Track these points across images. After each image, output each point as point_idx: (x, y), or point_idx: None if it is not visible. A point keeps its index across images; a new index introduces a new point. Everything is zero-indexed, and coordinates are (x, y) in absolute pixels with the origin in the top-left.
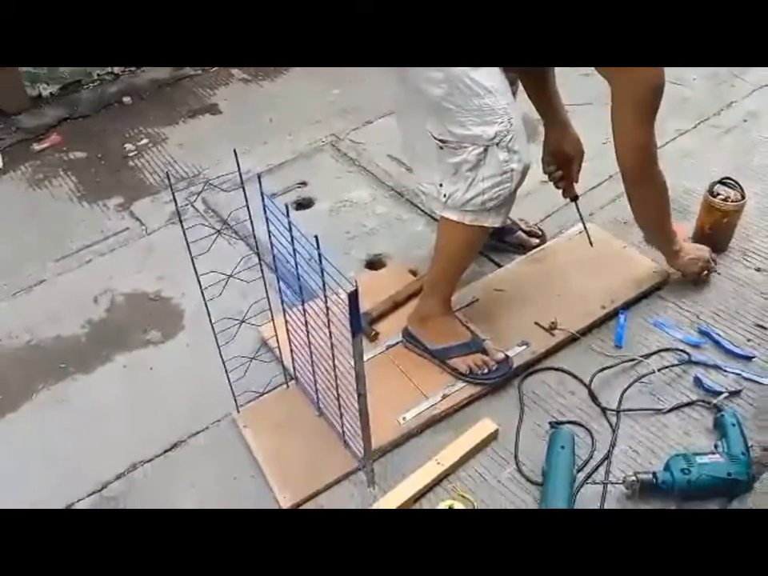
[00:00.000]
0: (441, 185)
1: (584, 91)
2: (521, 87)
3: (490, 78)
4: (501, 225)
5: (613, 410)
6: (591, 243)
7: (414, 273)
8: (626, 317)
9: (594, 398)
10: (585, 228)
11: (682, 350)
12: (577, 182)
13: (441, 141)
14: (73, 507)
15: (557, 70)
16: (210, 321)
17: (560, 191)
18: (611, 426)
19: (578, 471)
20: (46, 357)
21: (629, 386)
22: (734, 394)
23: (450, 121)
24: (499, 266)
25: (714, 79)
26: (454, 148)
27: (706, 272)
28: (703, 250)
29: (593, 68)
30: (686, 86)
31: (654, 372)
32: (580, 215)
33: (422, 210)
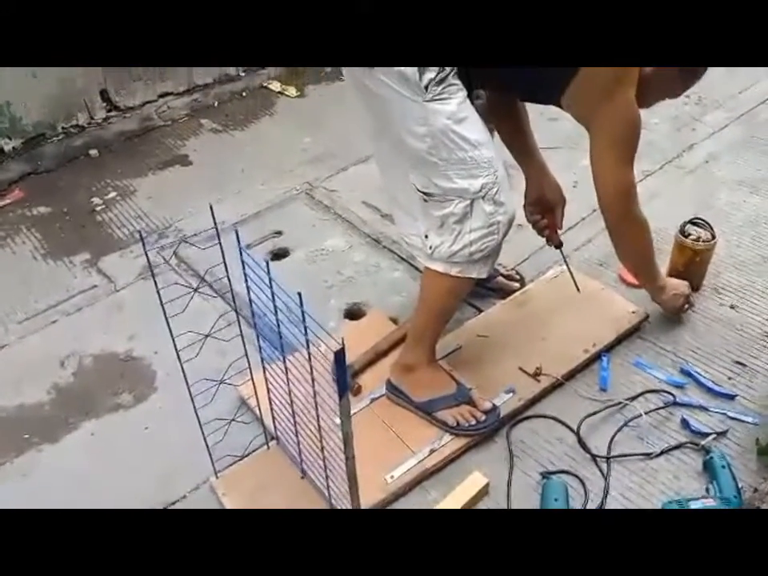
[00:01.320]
0: (426, 236)
1: (552, 135)
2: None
3: (474, 130)
4: (487, 275)
5: (603, 457)
6: (578, 289)
7: (394, 321)
8: (608, 359)
9: (583, 444)
10: (571, 275)
11: (666, 392)
12: (561, 228)
13: (426, 194)
14: None
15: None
16: (187, 383)
17: (543, 238)
18: (602, 473)
19: None
20: (9, 427)
21: (617, 432)
22: (721, 434)
23: (435, 174)
24: (480, 311)
25: (675, 123)
26: (440, 201)
27: (687, 306)
28: (684, 285)
29: (561, 112)
30: (649, 129)
31: (641, 415)
32: (566, 262)
33: (400, 257)
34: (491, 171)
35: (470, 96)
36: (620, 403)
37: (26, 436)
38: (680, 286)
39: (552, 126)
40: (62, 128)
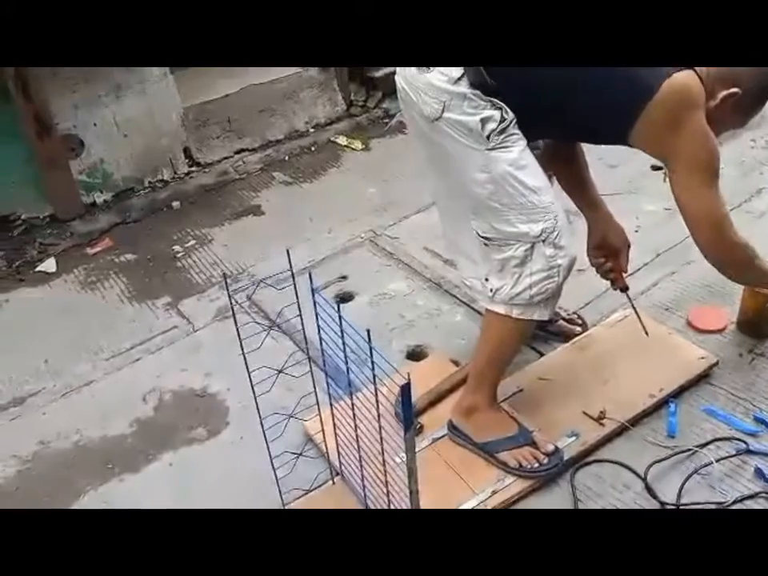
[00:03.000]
0: (487, 279)
1: (612, 181)
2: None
3: (534, 176)
4: (548, 318)
5: (673, 505)
6: (647, 333)
7: (455, 363)
8: (676, 405)
9: (651, 491)
10: (639, 317)
11: (738, 439)
12: (626, 272)
13: (486, 238)
14: None
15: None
16: (260, 417)
17: (608, 282)
18: None
19: None
20: (93, 457)
21: (687, 479)
22: None
23: (496, 219)
24: (542, 354)
25: (742, 167)
26: (500, 245)
27: None
28: None
29: (621, 158)
30: None
31: (712, 463)
32: (632, 305)
33: (461, 300)
34: (551, 216)
35: (528, 145)
36: (689, 450)
37: (110, 466)
38: None
39: (612, 173)
40: (149, 182)
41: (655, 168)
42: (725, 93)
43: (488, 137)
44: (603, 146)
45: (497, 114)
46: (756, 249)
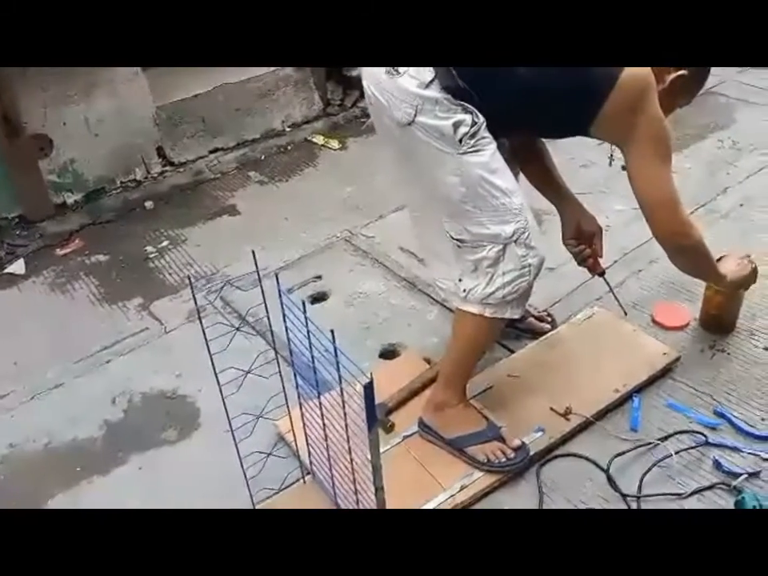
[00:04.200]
0: (460, 280)
1: (583, 181)
2: (523, 179)
3: (505, 179)
4: (519, 316)
5: (633, 496)
6: (625, 312)
7: (428, 361)
8: (639, 400)
9: (612, 483)
10: (616, 298)
11: (698, 432)
12: (602, 256)
13: (459, 240)
14: None
15: (554, 161)
16: (228, 417)
17: (585, 269)
18: None
19: None
20: (63, 460)
21: (647, 471)
22: (754, 475)
23: (469, 221)
24: (512, 351)
25: (709, 167)
26: (473, 246)
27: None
28: (737, 259)
29: (591, 158)
30: (682, 174)
31: (671, 455)
32: (610, 288)
33: (435, 300)
34: (522, 217)
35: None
36: (651, 443)
37: (78, 469)
38: (736, 264)
39: (583, 173)
40: (121, 182)
41: (625, 168)
42: (674, 75)
43: (460, 140)
44: (575, 147)
45: (468, 117)
46: (719, 246)
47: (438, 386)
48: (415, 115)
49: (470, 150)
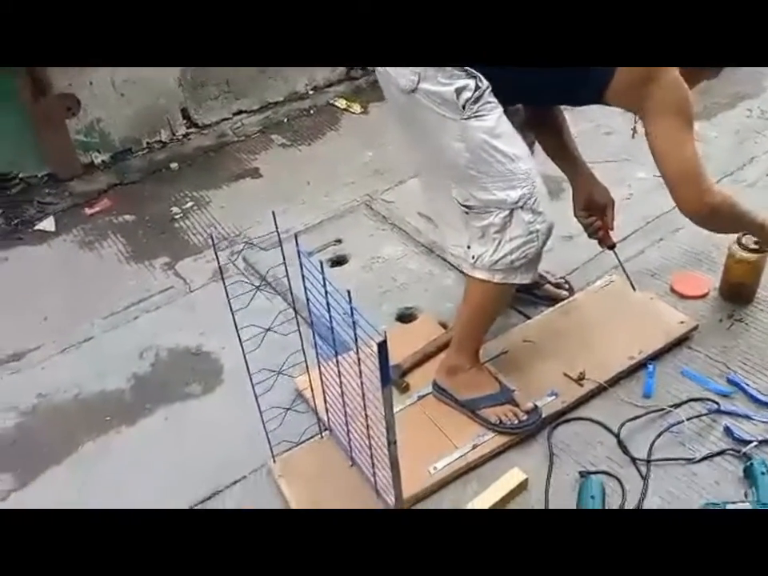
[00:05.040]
0: (468, 246)
1: (606, 149)
2: (539, 148)
3: (511, 144)
4: (529, 281)
5: (643, 460)
6: (634, 288)
7: (444, 325)
8: (654, 367)
9: (623, 447)
10: (626, 273)
11: (711, 400)
12: (612, 229)
13: (466, 206)
14: None
15: (578, 128)
16: (249, 372)
17: (596, 241)
18: (641, 475)
19: None
20: (92, 410)
21: (658, 436)
22: (764, 442)
23: (475, 188)
24: (528, 317)
25: (737, 137)
26: (480, 213)
27: None
28: None
29: (615, 126)
30: (707, 143)
31: (683, 422)
32: (619, 262)
33: (452, 265)
34: (529, 183)
35: (506, 111)
36: (663, 409)
37: (107, 419)
38: None
39: (606, 140)
40: (147, 143)
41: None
42: None
43: (463, 106)
44: (599, 114)
45: (471, 82)
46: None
47: (451, 350)
48: (418, 82)
49: (474, 115)
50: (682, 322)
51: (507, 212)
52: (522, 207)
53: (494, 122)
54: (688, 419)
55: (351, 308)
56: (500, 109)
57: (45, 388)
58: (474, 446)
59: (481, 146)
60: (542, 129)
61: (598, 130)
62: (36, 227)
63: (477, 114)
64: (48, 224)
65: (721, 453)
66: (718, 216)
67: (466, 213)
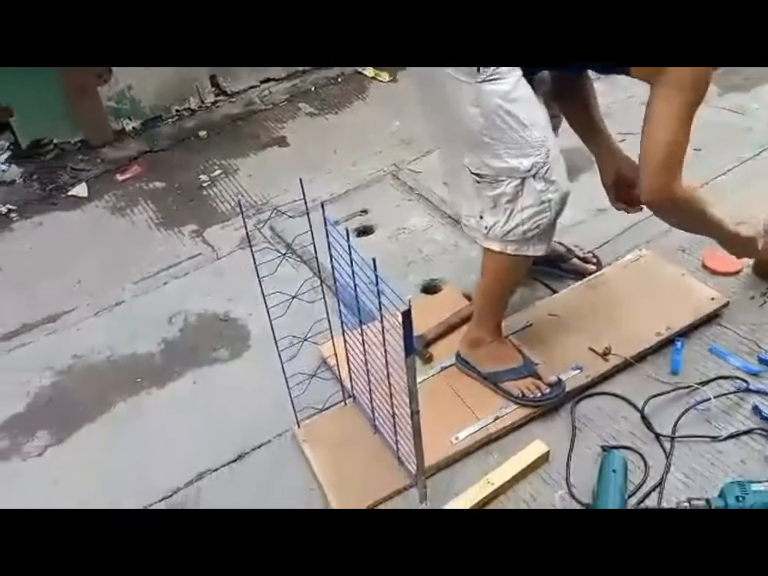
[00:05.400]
0: (481, 217)
1: (640, 120)
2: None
3: (526, 110)
4: (543, 253)
5: (667, 436)
6: None
7: (468, 297)
8: (682, 344)
9: (647, 423)
10: None
11: (740, 378)
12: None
13: (478, 175)
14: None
15: (611, 98)
16: (275, 338)
17: (627, 224)
18: (665, 452)
19: (630, 496)
20: (124, 372)
21: (684, 413)
22: None
23: (487, 154)
24: (554, 291)
25: None
26: (491, 182)
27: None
28: (755, 226)
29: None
30: (748, 115)
31: (710, 399)
32: None
33: None
34: (542, 151)
35: (532, 81)
36: (690, 387)
37: (138, 380)
38: (752, 229)
39: (641, 111)
40: (176, 110)
41: None
42: None
43: (478, 69)
44: (634, 85)
45: None
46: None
47: (472, 322)
48: None
49: (489, 78)
50: (712, 299)
51: (519, 181)
52: (534, 176)
53: (509, 86)
54: (715, 397)
55: (376, 276)
56: (517, 72)
57: (79, 349)
58: (497, 418)
59: (495, 111)
60: (568, 100)
61: (632, 100)
62: (69, 193)
63: (492, 78)
64: (81, 190)
65: (748, 432)
66: (675, 211)
67: (477, 182)
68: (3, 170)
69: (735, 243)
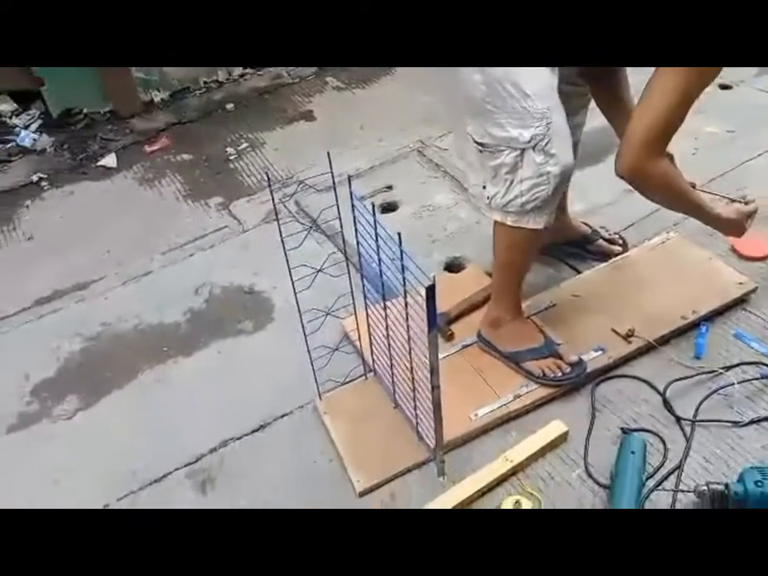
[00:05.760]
0: (484, 187)
1: None
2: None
3: (531, 81)
4: (543, 226)
5: (688, 420)
6: None
7: (491, 276)
8: (707, 328)
9: (668, 407)
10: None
11: (764, 364)
12: None
13: (480, 144)
14: (169, 476)
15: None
16: (299, 310)
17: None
18: (685, 435)
19: (648, 478)
20: (151, 340)
21: (706, 397)
22: None
23: (490, 122)
24: (578, 272)
25: None
26: (492, 152)
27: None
28: (737, 210)
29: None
30: None
31: (733, 384)
32: None
33: None
34: (543, 123)
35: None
36: (713, 371)
37: (164, 349)
38: (735, 212)
39: None
40: (204, 83)
41: (723, 87)
42: None
43: None
44: None
45: None
46: None
47: (492, 301)
48: None
49: None
50: (740, 283)
51: (518, 152)
52: (533, 148)
53: None
54: (739, 383)
55: (401, 251)
56: None
57: (107, 317)
58: (516, 396)
59: (498, 79)
60: (598, 80)
61: None
62: (99, 163)
63: None
64: (110, 160)
65: None
66: (647, 188)
67: (480, 151)
68: (34, 139)
69: (719, 225)
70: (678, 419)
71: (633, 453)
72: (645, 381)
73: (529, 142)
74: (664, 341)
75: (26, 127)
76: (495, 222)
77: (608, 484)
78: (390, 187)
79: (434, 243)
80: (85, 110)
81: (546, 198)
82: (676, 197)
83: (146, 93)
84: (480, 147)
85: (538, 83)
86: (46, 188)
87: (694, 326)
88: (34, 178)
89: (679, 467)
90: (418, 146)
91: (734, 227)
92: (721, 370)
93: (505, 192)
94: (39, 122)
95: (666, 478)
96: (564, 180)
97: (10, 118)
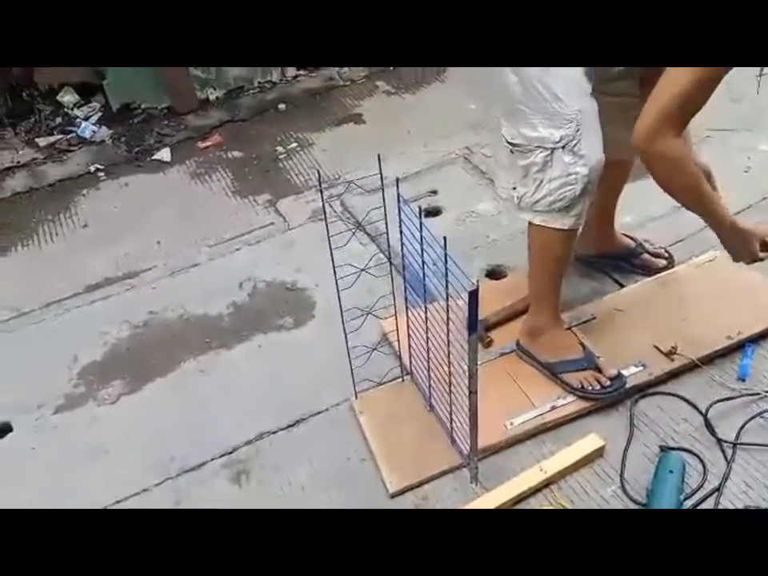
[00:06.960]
0: (514, 187)
1: (730, 117)
2: None
3: (564, 84)
4: (571, 227)
5: (729, 443)
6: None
7: None
8: (753, 349)
9: (710, 428)
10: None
11: None
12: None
13: (512, 144)
14: (206, 465)
15: None
16: (341, 309)
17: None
18: (726, 458)
19: (686, 499)
20: (194, 331)
21: (749, 420)
22: None
23: (522, 123)
24: (622, 285)
25: None
26: (522, 151)
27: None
28: (759, 233)
29: (743, 92)
30: None
31: None
32: None
33: None
34: (574, 124)
35: None
36: (757, 394)
37: (207, 340)
38: (753, 232)
39: (730, 108)
40: (258, 83)
41: None
42: None
43: None
44: (730, 77)
45: None
46: None
47: (531, 310)
48: None
49: None
50: None
51: (548, 152)
52: (563, 148)
53: None
54: None
55: (446, 254)
56: None
57: (155, 306)
58: (553, 407)
59: (531, 81)
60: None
61: (726, 96)
62: (153, 157)
63: None
64: (164, 154)
65: None
66: (660, 166)
67: (511, 152)
68: (94, 131)
69: (729, 234)
70: (719, 441)
71: (671, 472)
72: (686, 400)
73: (558, 141)
74: (708, 360)
75: (87, 119)
76: (528, 225)
77: (644, 502)
78: (434, 192)
79: (476, 249)
80: (143, 105)
81: (574, 197)
82: (684, 183)
83: (202, 91)
84: (512, 147)
85: (569, 86)
86: (102, 178)
87: (739, 347)
88: (92, 168)
89: (718, 490)
90: (464, 152)
91: (747, 246)
92: (766, 393)
93: (534, 191)
94: (99, 114)
95: (704, 499)
96: (592, 181)
97: (72, 109)
